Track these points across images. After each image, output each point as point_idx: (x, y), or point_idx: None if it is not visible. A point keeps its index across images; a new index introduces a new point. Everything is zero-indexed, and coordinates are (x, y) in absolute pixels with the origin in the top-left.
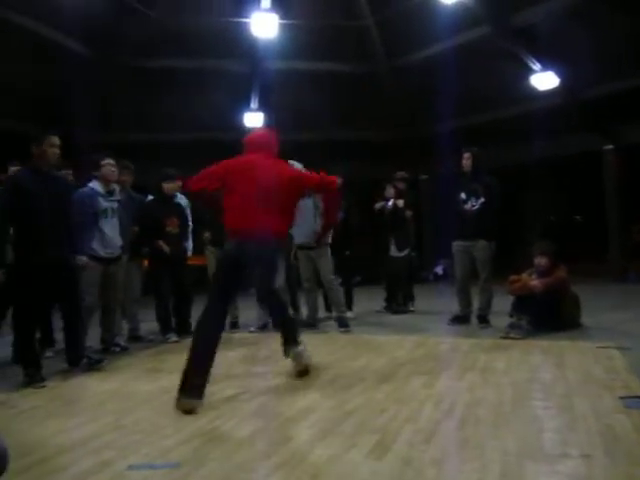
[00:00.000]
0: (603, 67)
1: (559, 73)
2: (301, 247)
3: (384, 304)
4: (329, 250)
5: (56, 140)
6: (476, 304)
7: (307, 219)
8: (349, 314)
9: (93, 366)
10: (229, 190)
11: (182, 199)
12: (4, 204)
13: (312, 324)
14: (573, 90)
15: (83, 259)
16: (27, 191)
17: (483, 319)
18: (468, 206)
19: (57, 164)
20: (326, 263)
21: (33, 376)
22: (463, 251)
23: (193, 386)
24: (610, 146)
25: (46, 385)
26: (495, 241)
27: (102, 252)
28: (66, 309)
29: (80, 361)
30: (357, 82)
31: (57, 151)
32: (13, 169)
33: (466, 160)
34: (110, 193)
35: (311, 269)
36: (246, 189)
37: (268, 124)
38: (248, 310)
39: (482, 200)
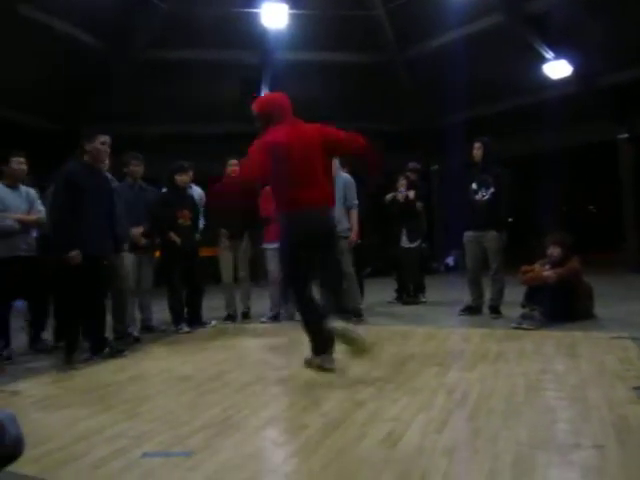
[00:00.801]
0: (617, 55)
1: (572, 61)
2: None
3: (395, 295)
4: (346, 242)
5: (107, 139)
6: (488, 295)
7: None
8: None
9: (115, 355)
10: (280, 165)
11: (196, 190)
12: (60, 197)
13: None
14: (587, 78)
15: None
16: (80, 185)
17: (495, 310)
18: (479, 196)
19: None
20: (346, 255)
21: (72, 359)
22: (474, 241)
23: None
24: (625, 135)
25: (77, 367)
26: (506, 231)
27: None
28: (95, 299)
29: (103, 350)
30: (368, 72)
31: (108, 149)
32: (16, 160)
33: (477, 150)
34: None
35: None
36: (297, 160)
37: None
38: (260, 300)
39: (492, 190)
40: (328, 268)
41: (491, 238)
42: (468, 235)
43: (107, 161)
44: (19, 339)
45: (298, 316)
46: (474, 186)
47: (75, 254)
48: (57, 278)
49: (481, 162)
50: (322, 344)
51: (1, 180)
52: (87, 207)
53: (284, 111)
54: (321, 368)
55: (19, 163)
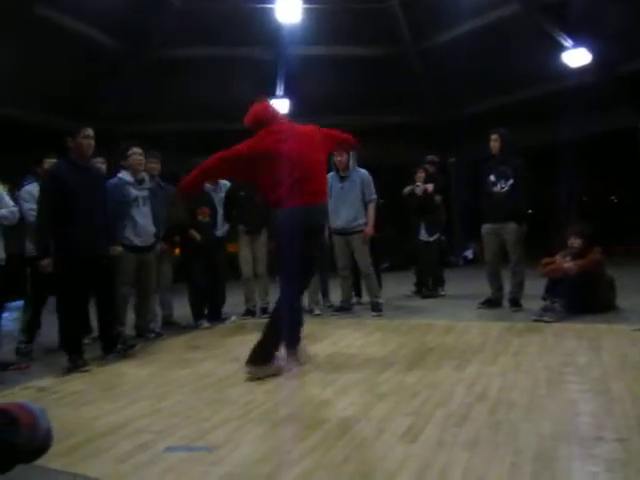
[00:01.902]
0: (637, 42)
1: (592, 49)
2: (338, 232)
3: (414, 289)
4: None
5: (90, 132)
6: (507, 287)
7: (349, 204)
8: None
9: (126, 352)
10: (281, 162)
11: (226, 185)
12: (45, 197)
13: (347, 308)
14: (606, 66)
15: (118, 249)
16: (66, 183)
17: (515, 302)
18: (497, 188)
19: (91, 155)
20: (365, 249)
21: (76, 361)
22: (493, 234)
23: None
24: None
25: (89, 370)
26: (525, 223)
27: (136, 241)
28: (102, 298)
29: (114, 348)
30: (383, 65)
31: (92, 142)
32: (49, 161)
33: (494, 142)
34: (140, 182)
35: (348, 255)
36: (300, 155)
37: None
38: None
39: (511, 182)
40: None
41: (511, 230)
42: (486, 228)
43: (142, 160)
44: (47, 335)
45: (317, 310)
46: (492, 178)
47: (46, 263)
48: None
49: (499, 154)
50: (271, 352)
51: (37, 180)
52: (76, 206)
53: (273, 114)
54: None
55: (50, 164)
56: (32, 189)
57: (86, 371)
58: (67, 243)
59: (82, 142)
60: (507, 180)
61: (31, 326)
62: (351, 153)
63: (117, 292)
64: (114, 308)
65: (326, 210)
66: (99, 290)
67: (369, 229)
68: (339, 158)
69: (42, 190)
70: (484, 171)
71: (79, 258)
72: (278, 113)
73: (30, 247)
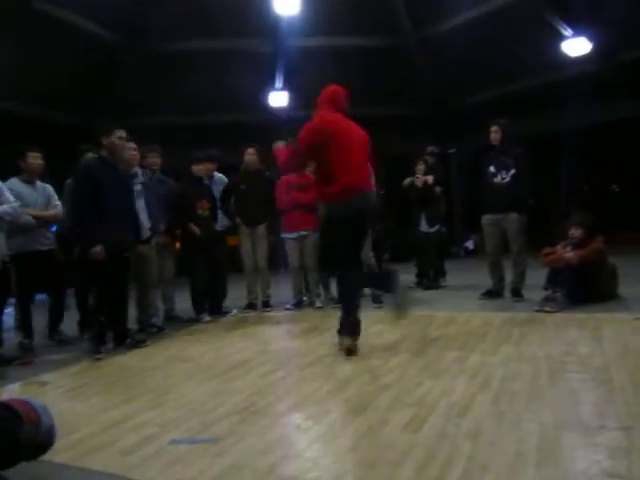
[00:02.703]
0: (638, 29)
1: (592, 38)
2: None
3: (415, 280)
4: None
5: (124, 133)
6: (509, 278)
7: None
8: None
9: (137, 345)
10: (332, 150)
11: (222, 178)
12: (80, 191)
13: None
14: (607, 55)
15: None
16: (99, 180)
17: (517, 293)
18: (498, 179)
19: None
20: (367, 240)
21: (99, 349)
22: (493, 224)
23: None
24: None
25: (102, 358)
26: (527, 213)
27: None
28: (116, 291)
29: (125, 340)
30: (383, 56)
31: (125, 144)
32: (33, 155)
33: (495, 133)
34: (132, 176)
35: None
36: (351, 147)
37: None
38: (278, 289)
39: (513, 172)
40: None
41: (512, 220)
42: (487, 218)
43: (136, 155)
44: (41, 332)
45: (318, 302)
46: (492, 169)
47: (99, 250)
48: (81, 272)
49: (499, 145)
50: (355, 325)
51: (19, 176)
52: (106, 201)
53: (341, 103)
54: (347, 349)
55: (35, 158)
56: (12, 184)
57: (99, 359)
58: (95, 239)
59: (116, 142)
60: (508, 170)
61: (24, 323)
62: None
63: (146, 284)
64: (126, 302)
65: (370, 201)
66: (116, 283)
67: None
68: None
69: (75, 187)
70: (484, 162)
71: (109, 252)
72: (341, 105)
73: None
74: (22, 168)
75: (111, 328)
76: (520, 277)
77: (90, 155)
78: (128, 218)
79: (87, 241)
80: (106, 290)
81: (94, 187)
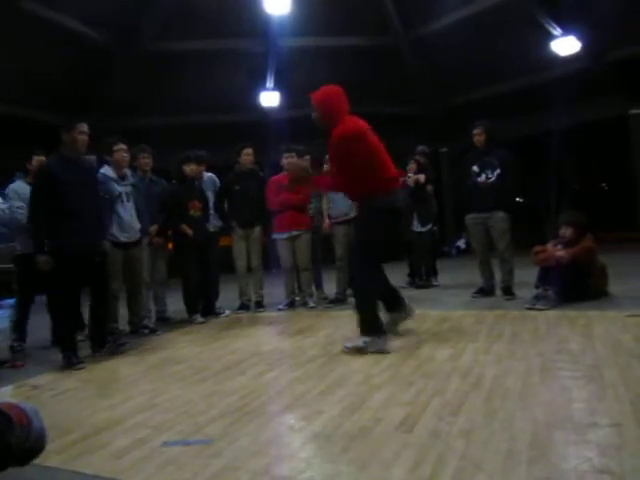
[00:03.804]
0: (627, 28)
1: (581, 37)
2: (340, 223)
3: (407, 279)
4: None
5: (85, 127)
6: (498, 277)
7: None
8: None
9: (117, 350)
10: (368, 151)
11: (211, 178)
12: (38, 193)
13: (342, 300)
14: (596, 53)
15: (106, 245)
16: (58, 179)
17: (508, 291)
18: (482, 179)
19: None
20: None
21: (71, 359)
22: (478, 223)
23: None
24: (637, 110)
25: (84, 367)
26: (512, 213)
27: (121, 237)
28: (96, 294)
29: (104, 345)
30: (374, 55)
31: (86, 138)
32: (37, 158)
33: (479, 136)
34: (122, 177)
35: (347, 245)
36: (379, 147)
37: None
38: (272, 289)
39: (498, 172)
40: None
41: (498, 219)
42: (472, 217)
43: (126, 157)
44: (38, 333)
45: (311, 302)
46: (475, 169)
47: (44, 260)
48: (41, 279)
49: (483, 146)
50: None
51: (24, 178)
52: (68, 201)
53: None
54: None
55: (40, 161)
56: (17, 187)
57: (81, 369)
58: (60, 239)
59: (77, 137)
60: (494, 170)
61: (20, 325)
62: None
63: (137, 285)
64: (107, 305)
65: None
66: (92, 287)
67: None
68: None
69: (34, 186)
70: (466, 162)
71: (72, 254)
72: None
73: (18, 245)
74: (28, 170)
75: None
76: (509, 275)
77: (41, 158)
78: (94, 216)
79: (36, 248)
80: (71, 296)
81: (52, 188)
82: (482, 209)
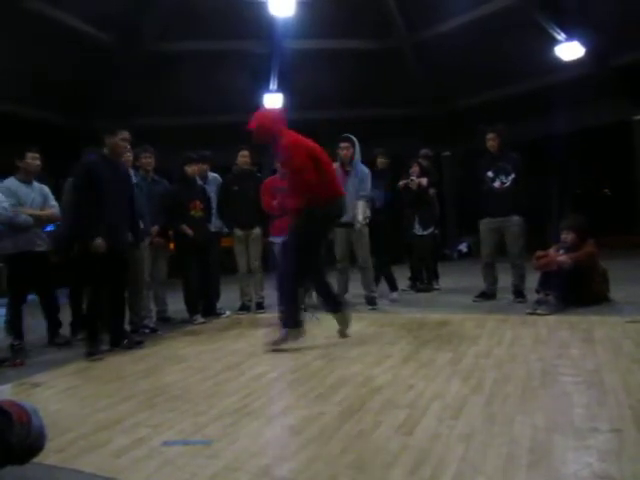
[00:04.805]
0: (630, 33)
1: (585, 42)
2: (340, 225)
3: (409, 283)
4: (367, 229)
5: (127, 134)
6: (503, 281)
7: (351, 197)
8: (395, 295)
9: (133, 347)
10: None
11: (216, 178)
12: (80, 187)
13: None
14: (600, 59)
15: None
16: (100, 177)
17: (519, 294)
18: (497, 184)
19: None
20: (366, 242)
21: (91, 349)
22: (493, 229)
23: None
24: None
25: (102, 358)
26: (526, 217)
27: None
28: (116, 291)
29: (121, 342)
30: (377, 59)
31: (127, 145)
32: (31, 155)
33: (492, 141)
34: None
35: (348, 248)
36: (325, 161)
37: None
38: (273, 290)
39: (513, 176)
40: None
41: (513, 223)
42: (486, 222)
43: (130, 157)
44: (37, 332)
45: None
46: (490, 174)
47: (100, 242)
48: (78, 271)
49: (497, 151)
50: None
51: (16, 175)
52: (107, 199)
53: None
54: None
55: (34, 158)
56: (10, 184)
57: (98, 359)
58: (95, 234)
59: (119, 143)
60: (508, 175)
61: (14, 325)
62: (356, 147)
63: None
64: (124, 303)
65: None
66: (114, 283)
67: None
68: (345, 151)
69: (78, 179)
70: (481, 167)
71: (108, 251)
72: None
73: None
74: (20, 167)
75: (106, 329)
76: (521, 279)
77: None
78: (128, 218)
79: (88, 235)
80: (101, 290)
81: (94, 184)
82: (498, 214)
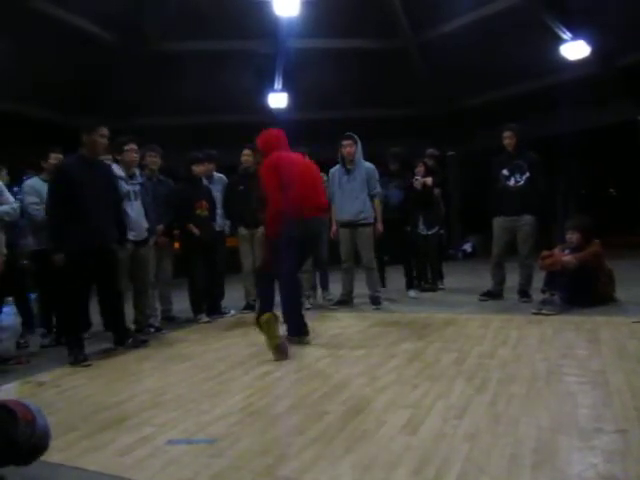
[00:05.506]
0: (636, 33)
1: (591, 41)
2: (344, 225)
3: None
4: (372, 229)
5: (105, 131)
6: (510, 280)
7: (355, 197)
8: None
9: (138, 346)
10: (289, 182)
11: (221, 178)
12: (55, 192)
13: (347, 301)
14: (606, 58)
15: (128, 246)
16: (74, 179)
17: (525, 294)
18: (512, 182)
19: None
20: (370, 242)
21: (78, 356)
22: (505, 227)
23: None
24: None
25: (90, 364)
26: (539, 216)
27: (129, 235)
28: (109, 292)
29: (126, 340)
30: (382, 58)
31: (106, 141)
32: (55, 155)
33: (509, 139)
34: (131, 176)
35: (352, 248)
36: (302, 178)
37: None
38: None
39: (527, 175)
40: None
41: (526, 222)
42: (499, 220)
43: (137, 157)
44: (38, 331)
45: (307, 304)
46: (505, 172)
47: (59, 258)
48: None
49: (513, 150)
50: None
51: (40, 175)
52: (86, 200)
53: (284, 143)
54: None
55: (56, 159)
56: (34, 183)
57: (87, 365)
58: (73, 237)
59: (97, 140)
60: (523, 174)
61: (46, 318)
62: (358, 145)
63: (143, 284)
64: (120, 302)
65: (319, 223)
66: (103, 284)
67: (380, 226)
68: (347, 149)
69: (51, 185)
70: (495, 166)
71: (84, 252)
72: (284, 144)
73: (33, 241)
74: (43, 168)
75: (109, 328)
76: (528, 279)
77: (59, 155)
78: (112, 217)
79: (53, 245)
80: (81, 293)
81: (69, 188)
82: (511, 213)
